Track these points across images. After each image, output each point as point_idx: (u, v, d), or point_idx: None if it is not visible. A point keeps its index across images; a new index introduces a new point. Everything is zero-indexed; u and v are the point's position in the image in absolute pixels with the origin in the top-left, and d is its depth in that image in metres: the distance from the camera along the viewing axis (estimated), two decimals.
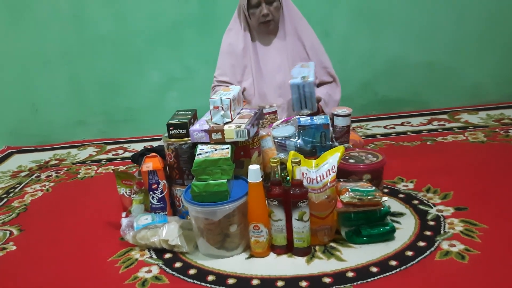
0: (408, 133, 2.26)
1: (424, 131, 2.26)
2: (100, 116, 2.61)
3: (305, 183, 1.31)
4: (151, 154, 1.51)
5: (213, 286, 1.23)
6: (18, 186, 2.04)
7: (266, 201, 1.31)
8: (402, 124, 2.41)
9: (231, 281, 1.24)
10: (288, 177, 1.36)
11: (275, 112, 1.73)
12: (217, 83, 1.92)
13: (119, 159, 2.29)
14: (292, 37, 1.86)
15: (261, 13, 1.77)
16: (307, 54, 1.87)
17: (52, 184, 2.03)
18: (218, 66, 1.93)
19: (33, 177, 2.14)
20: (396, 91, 2.60)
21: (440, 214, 1.48)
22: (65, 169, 2.20)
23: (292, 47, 1.86)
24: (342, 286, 1.18)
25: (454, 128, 2.26)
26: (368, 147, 1.98)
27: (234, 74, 1.88)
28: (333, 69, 1.91)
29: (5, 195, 1.95)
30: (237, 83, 1.87)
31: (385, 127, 2.39)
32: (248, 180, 1.29)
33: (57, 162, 2.32)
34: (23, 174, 2.19)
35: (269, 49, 1.88)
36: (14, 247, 1.53)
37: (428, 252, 1.28)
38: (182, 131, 1.45)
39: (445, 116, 2.45)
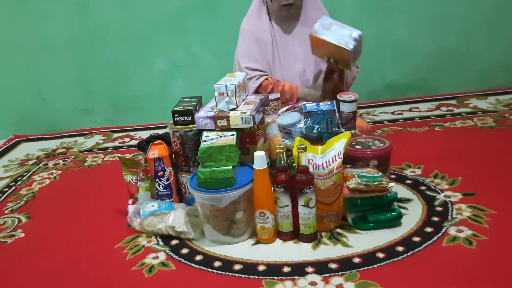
0: (416, 118, 2.24)
1: (432, 117, 2.24)
2: (106, 104, 2.61)
3: (311, 169, 1.30)
4: (157, 142, 1.51)
5: (219, 272, 1.24)
6: (26, 174, 2.05)
7: (272, 187, 1.30)
8: (410, 110, 2.38)
9: (237, 267, 1.25)
10: (294, 164, 1.35)
11: (278, 98, 1.72)
12: (253, 72, 1.78)
13: (125, 147, 2.30)
14: (311, 25, 1.76)
15: None
16: None
17: (59, 172, 2.05)
18: (245, 53, 1.82)
19: (41, 165, 2.15)
20: (404, 76, 2.57)
21: (447, 199, 1.46)
22: (72, 157, 2.21)
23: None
24: (349, 271, 1.18)
25: (462, 114, 2.23)
26: (375, 133, 1.97)
27: (264, 62, 1.79)
28: None
29: (13, 183, 1.97)
30: (269, 70, 1.80)
31: (392, 113, 2.37)
32: (254, 166, 1.28)
33: (64, 150, 2.33)
34: (30, 162, 2.21)
35: (289, 36, 1.81)
36: (23, 234, 1.54)
37: (435, 238, 1.28)
38: (188, 118, 1.45)
39: (453, 102, 2.42)
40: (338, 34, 1.61)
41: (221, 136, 1.37)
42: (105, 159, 2.14)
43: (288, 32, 1.81)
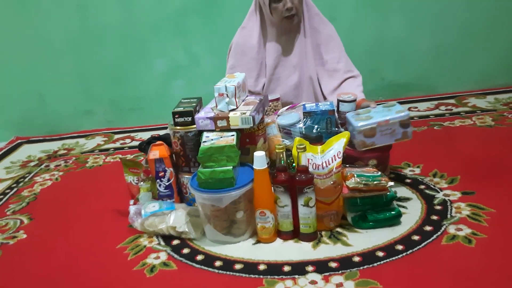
0: (415, 118, 2.25)
1: (431, 116, 2.25)
2: (106, 105, 2.62)
3: (310, 169, 1.31)
4: (157, 142, 1.51)
5: (220, 271, 1.25)
6: (28, 176, 2.06)
7: (272, 187, 1.31)
8: (409, 109, 2.39)
9: (238, 266, 1.26)
10: (294, 163, 1.36)
11: (278, 99, 1.73)
12: None
13: (126, 148, 2.31)
14: (311, 35, 1.77)
15: (284, 7, 1.64)
16: (321, 52, 1.78)
17: (61, 173, 2.05)
18: (230, 69, 1.80)
19: (42, 166, 2.16)
20: (404, 76, 2.58)
21: (447, 198, 1.47)
22: (74, 158, 2.22)
23: (311, 45, 1.77)
24: (348, 270, 1.19)
25: (461, 113, 2.24)
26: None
27: (251, 78, 1.77)
28: (347, 65, 1.80)
29: (15, 185, 1.98)
30: (255, 87, 1.79)
31: None
32: (254, 166, 1.29)
33: (65, 151, 2.34)
34: (32, 164, 2.22)
35: (288, 49, 1.78)
36: (25, 236, 1.55)
37: (434, 237, 1.29)
38: (188, 119, 1.46)
39: (452, 101, 2.43)
40: (387, 133, 1.47)
41: (221, 137, 1.38)
42: (106, 160, 2.15)
43: (288, 45, 1.77)
